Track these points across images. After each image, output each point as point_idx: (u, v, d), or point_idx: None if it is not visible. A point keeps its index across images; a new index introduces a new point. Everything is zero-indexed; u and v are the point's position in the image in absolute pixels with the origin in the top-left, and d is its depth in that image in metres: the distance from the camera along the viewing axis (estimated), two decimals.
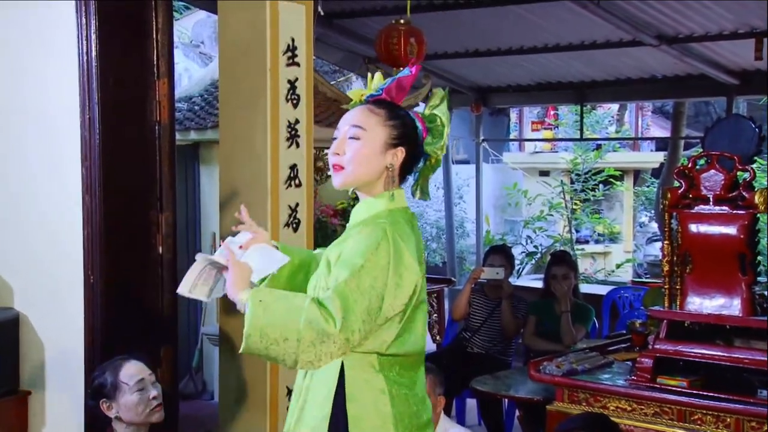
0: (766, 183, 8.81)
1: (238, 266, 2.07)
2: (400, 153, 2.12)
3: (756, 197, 3.32)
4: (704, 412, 3.21)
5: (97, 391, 2.79)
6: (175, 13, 7.52)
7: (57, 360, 3.32)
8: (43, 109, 3.31)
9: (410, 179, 2.23)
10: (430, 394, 3.29)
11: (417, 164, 2.20)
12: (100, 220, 3.10)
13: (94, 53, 3.05)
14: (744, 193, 3.35)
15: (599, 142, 11.88)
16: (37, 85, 3.32)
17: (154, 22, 3.24)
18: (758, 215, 3.41)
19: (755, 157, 3.80)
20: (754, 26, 6.08)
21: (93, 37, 3.04)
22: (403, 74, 2.19)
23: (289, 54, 3.74)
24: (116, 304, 3.18)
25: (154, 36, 3.25)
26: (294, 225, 3.82)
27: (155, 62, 3.26)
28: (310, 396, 2.11)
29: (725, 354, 3.32)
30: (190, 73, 10.10)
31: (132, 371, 2.79)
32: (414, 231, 2.12)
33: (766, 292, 4.15)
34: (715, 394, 3.22)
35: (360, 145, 2.10)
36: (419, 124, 2.17)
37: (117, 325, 3.18)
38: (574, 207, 11.40)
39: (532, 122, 13.93)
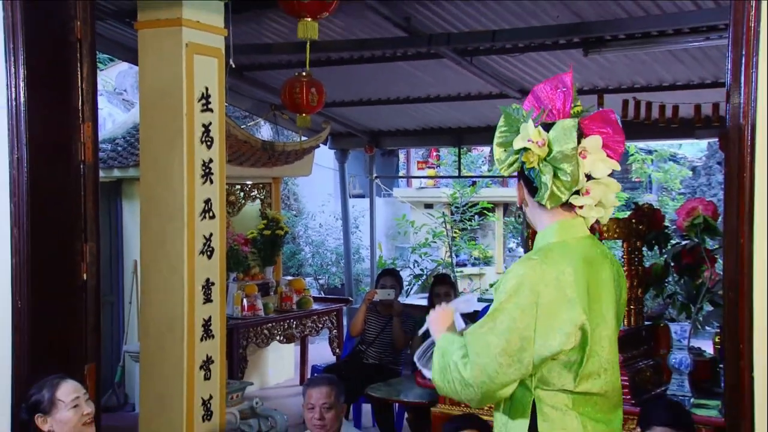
0: None
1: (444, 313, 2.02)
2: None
3: None
4: None
5: (34, 407, 2.69)
6: (99, 65, 7.31)
7: None
8: None
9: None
10: (335, 403, 3.28)
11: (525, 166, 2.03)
12: (28, 251, 2.99)
13: (22, 98, 2.95)
14: None
15: (474, 179, 12.20)
16: None
17: (79, 72, 3.16)
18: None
19: None
20: (607, 84, 6.43)
21: (21, 84, 2.94)
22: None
23: (204, 101, 3.72)
24: (43, 326, 3.06)
25: (79, 84, 3.16)
26: (208, 252, 3.78)
27: (80, 107, 3.18)
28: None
29: None
30: (114, 117, 9.85)
31: (68, 390, 2.70)
32: (587, 263, 1.83)
33: None
34: None
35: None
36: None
37: (43, 344, 3.06)
38: (454, 235, 11.64)
39: (418, 162, 14.19)
